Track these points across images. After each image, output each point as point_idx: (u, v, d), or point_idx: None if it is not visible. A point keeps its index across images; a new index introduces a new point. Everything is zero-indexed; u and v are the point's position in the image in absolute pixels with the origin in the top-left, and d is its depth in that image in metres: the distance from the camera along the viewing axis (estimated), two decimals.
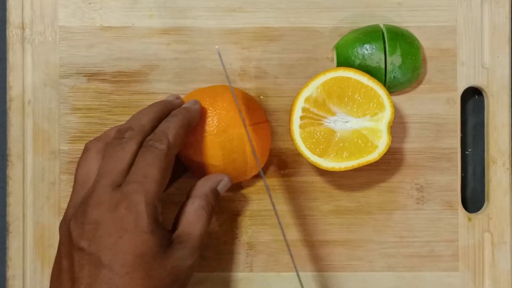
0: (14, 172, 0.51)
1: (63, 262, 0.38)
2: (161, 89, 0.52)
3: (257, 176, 0.51)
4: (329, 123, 0.47)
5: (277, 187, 0.52)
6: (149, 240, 0.37)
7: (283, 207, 0.52)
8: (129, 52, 0.52)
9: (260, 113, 0.49)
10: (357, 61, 0.49)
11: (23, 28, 0.51)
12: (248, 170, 0.48)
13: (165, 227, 0.39)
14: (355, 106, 0.47)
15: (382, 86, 0.47)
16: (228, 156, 0.45)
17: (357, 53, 0.49)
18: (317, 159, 0.47)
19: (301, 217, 0.52)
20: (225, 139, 0.45)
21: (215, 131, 0.45)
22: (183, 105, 0.45)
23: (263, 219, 0.52)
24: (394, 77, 0.49)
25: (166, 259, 0.38)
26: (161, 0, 0.52)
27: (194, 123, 0.44)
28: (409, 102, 0.52)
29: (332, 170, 0.47)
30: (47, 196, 0.51)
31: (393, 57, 0.49)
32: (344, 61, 0.50)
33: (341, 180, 0.52)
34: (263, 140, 0.48)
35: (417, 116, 0.52)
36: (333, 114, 0.47)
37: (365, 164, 0.46)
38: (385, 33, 0.49)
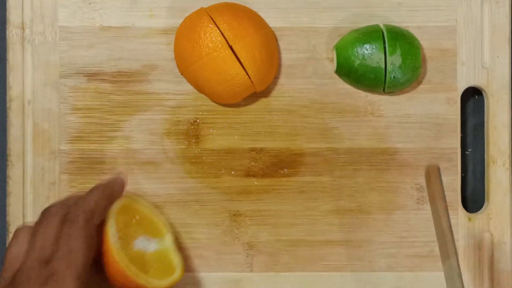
0: (14, 172, 0.51)
1: None
2: (161, 89, 0.52)
3: (257, 176, 0.51)
4: (138, 244, 0.45)
5: (277, 187, 0.52)
6: None
7: (283, 207, 0.52)
8: (129, 52, 0.52)
9: (260, 20, 0.50)
10: (357, 61, 0.49)
11: (23, 28, 0.51)
12: (243, 91, 0.49)
13: None
14: (148, 228, 0.46)
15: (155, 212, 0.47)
16: (222, 77, 0.47)
17: (357, 53, 0.49)
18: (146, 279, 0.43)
19: (301, 217, 0.52)
20: (218, 58, 0.47)
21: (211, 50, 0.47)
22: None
23: (263, 219, 0.52)
24: (394, 77, 0.49)
25: None
26: (161, 0, 0.52)
27: (117, 194, 0.44)
28: (409, 102, 0.52)
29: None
30: (47, 196, 0.51)
31: (393, 57, 0.49)
32: (344, 61, 0.50)
33: (341, 180, 0.52)
34: (271, 46, 0.49)
35: (417, 116, 0.52)
36: (136, 236, 0.45)
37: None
38: (385, 33, 0.49)
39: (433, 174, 0.42)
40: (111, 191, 0.44)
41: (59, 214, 0.40)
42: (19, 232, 0.41)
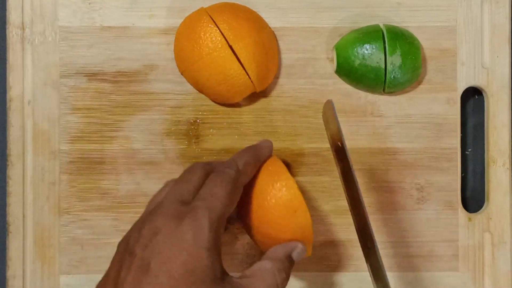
0: (14, 172, 0.51)
1: (111, 269, 0.37)
2: (161, 89, 0.52)
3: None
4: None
5: None
6: (203, 258, 0.35)
7: None
8: (129, 52, 0.52)
9: (260, 20, 0.50)
10: (357, 61, 0.49)
11: (23, 28, 0.51)
12: (243, 91, 0.49)
13: (221, 260, 0.37)
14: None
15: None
16: (221, 76, 0.47)
17: (357, 53, 0.49)
18: None
19: None
20: (218, 58, 0.47)
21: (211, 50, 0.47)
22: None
23: None
24: (394, 77, 0.49)
25: None
26: (161, 0, 0.52)
27: (263, 158, 0.44)
28: (409, 102, 0.52)
29: None
30: (47, 196, 0.51)
31: (393, 57, 0.49)
32: (344, 61, 0.50)
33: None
34: (271, 46, 0.49)
35: (417, 116, 0.52)
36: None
37: None
38: (385, 33, 0.49)
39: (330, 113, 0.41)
40: (260, 154, 0.44)
41: (206, 168, 0.41)
42: (167, 182, 0.43)
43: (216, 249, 0.36)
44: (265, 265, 0.39)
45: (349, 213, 0.52)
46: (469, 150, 0.55)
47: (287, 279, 0.40)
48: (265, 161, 0.44)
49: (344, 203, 0.52)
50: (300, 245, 0.42)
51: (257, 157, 0.44)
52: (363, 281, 0.52)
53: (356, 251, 0.52)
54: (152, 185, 0.52)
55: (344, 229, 0.52)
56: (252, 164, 0.43)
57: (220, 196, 0.38)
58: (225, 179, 0.40)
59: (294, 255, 0.41)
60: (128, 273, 0.35)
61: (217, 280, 0.35)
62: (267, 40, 0.49)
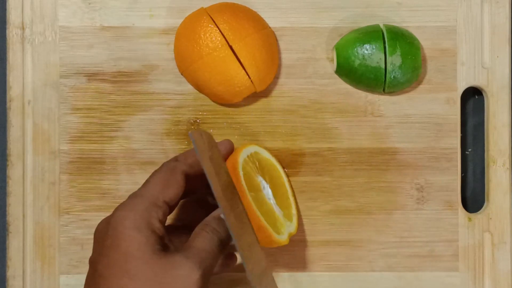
0: (14, 172, 0.51)
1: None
2: (161, 89, 0.52)
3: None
4: (263, 191, 0.47)
5: None
6: (134, 240, 0.39)
7: None
8: (129, 52, 0.52)
9: (260, 20, 0.50)
10: (357, 61, 0.49)
11: (23, 28, 0.51)
12: (243, 91, 0.49)
13: (156, 232, 0.40)
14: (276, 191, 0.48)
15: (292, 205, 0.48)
16: (221, 77, 0.47)
17: (357, 53, 0.49)
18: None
19: (301, 217, 0.52)
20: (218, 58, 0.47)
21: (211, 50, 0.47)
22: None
23: None
24: (394, 77, 0.49)
25: (158, 261, 0.38)
26: (161, 0, 0.52)
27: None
28: (409, 102, 0.52)
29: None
30: (47, 196, 0.51)
31: (393, 57, 0.49)
32: (344, 61, 0.50)
33: (341, 180, 0.52)
34: (271, 46, 0.49)
35: (417, 116, 0.52)
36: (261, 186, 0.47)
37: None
38: (385, 33, 0.49)
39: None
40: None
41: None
42: None
43: (150, 228, 0.40)
44: (198, 228, 0.42)
45: (349, 213, 0.52)
46: (469, 150, 0.55)
47: (225, 236, 0.42)
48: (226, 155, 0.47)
49: (344, 203, 0.52)
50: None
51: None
52: (363, 281, 0.52)
53: (356, 251, 0.52)
54: None
55: (344, 229, 0.52)
56: (196, 160, 0.45)
57: (150, 183, 0.42)
58: (160, 169, 0.44)
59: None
60: None
61: (158, 251, 0.39)
62: (267, 40, 0.49)
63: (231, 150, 0.47)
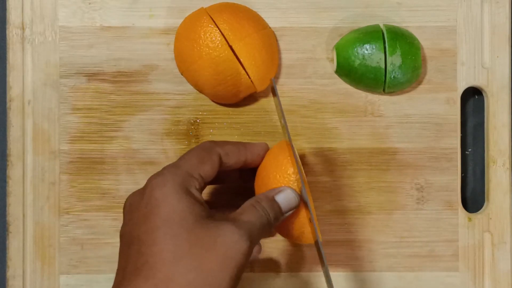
0: (14, 172, 0.51)
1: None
2: (161, 89, 0.52)
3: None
4: None
5: None
6: (176, 205, 0.38)
7: None
8: (129, 52, 0.52)
9: (260, 20, 0.50)
10: (357, 61, 0.49)
11: (23, 28, 0.51)
12: (243, 91, 0.49)
13: (197, 198, 0.39)
14: None
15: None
16: (221, 76, 0.48)
17: (357, 53, 0.49)
18: None
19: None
20: (218, 58, 0.47)
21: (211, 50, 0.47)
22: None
23: None
24: (394, 77, 0.49)
25: (202, 227, 0.37)
26: (161, 0, 0.52)
27: (251, 150, 0.46)
28: (409, 102, 0.52)
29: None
30: (47, 196, 0.51)
31: (393, 57, 0.49)
32: (344, 61, 0.50)
33: (341, 180, 0.52)
34: (271, 46, 0.49)
35: (417, 116, 0.52)
36: None
37: None
38: (385, 33, 0.49)
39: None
40: (246, 145, 0.45)
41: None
42: None
43: (190, 195, 0.39)
44: (248, 203, 0.41)
45: (349, 213, 0.52)
46: (469, 150, 0.55)
47: (274, 218, 0.41)
48: (258, 155, 0.46)
49: (344, 203, 0.52)
50: (286, 189, 0.43)
51: (242, 145, 0.45)
52: (363, 281, 0.52)
53: (356, 251, 0.52)
54: None
55: (344, 229, 0.52)
56: (234, 148, 0.44)
57: (186, 157, 0.42)
58: (197, 146, 0.43)
59: (279, 198, 0.42)
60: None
61: (204, 218, 0.38)
62: (267, 40, 0.49)
63: (265, 152, 0.46)
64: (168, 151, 0.52)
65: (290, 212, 0.43)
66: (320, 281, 0.52)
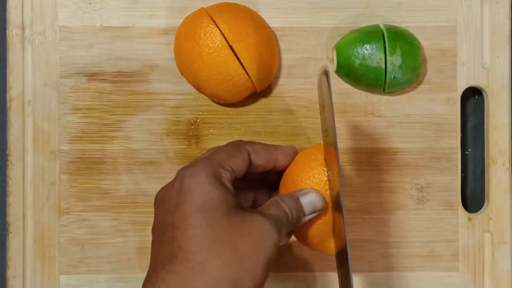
0: (14, 172, 0.51)
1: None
2: (161, 89, 0.52)
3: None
4: None
5: None
6: (209, 193, 0.38)
7: None
8: (129, 52, 0.52)
9: (260, 20, 0.50)
10: (357, 61, 0.49)
11: (23, 28, 0.51)
12: (243, 91, 0.49)
13: (229, 189, 0.40)
14: None
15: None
16: (221, 76, 0.47)
17: (357, 53, 0.49)
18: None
19: None
20: (218, 58, 0.47)
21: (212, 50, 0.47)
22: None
23: None
24: (394, 77, 0.49)
25: (236, 214, 0.38)
26: (161, 0, 0.52)
27: (277, 153, 0.45)
28: (409, 102, 0.52)
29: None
30: (47, 196, 0.51)
31: (393, 57, 0.49)
32: (344, 61, 0.50)
33: (341, 180, 0.52)
34: (271, 46, 0.49)
35: (417, 116, 0.52)
36: None
37: None
38: (385, 33, 0.49)
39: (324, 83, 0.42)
40: (273, 147, 0.45)
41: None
42: None
43: (222, 184, 0.39)
44: (272, 200, 0.41)
45: (349, 213, 0.52)
46: (469, 150, 0.55)
47: (296, 218, 0.41)
48: (279, 161, 0.45)
49: (344, 203, 0.52)
50: (311, 191, 0.42)
51: (272, 146, 0.45)
52: (363, 281, 0.52)
53: (356, 251, 0.52)
54: (152, 185, 0.52)
55: None
56: (263, 147, 0.44)
57: (216, 152, 0.42)
58: (226, 143, 0.43)
59: (304, 199, 0.42)
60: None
61: (231, 209, 0.38)
62: (267, 40, 0.49)
63: (295, 155, 0.46)
64: (168, 151, 0.52)
65: (313, 215, 0.42)
66: (320, 281, 0.52)
